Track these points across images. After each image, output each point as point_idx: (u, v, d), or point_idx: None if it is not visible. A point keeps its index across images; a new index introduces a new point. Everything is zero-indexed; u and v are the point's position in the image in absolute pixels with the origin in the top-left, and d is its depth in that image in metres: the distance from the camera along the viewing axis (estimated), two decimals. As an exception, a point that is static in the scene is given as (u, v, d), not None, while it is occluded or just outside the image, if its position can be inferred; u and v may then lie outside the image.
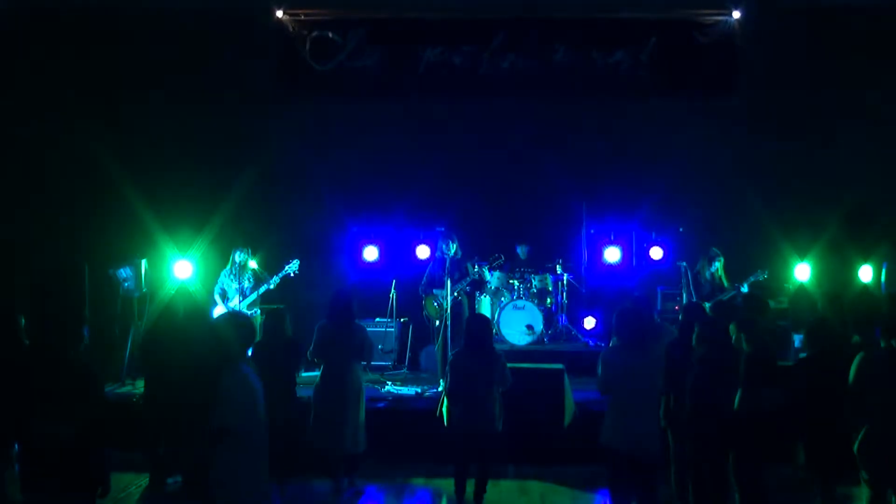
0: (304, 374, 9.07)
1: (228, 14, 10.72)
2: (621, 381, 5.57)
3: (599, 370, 5.79)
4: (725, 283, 9.38)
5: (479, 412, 6.49)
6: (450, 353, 7.90)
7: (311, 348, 7.09)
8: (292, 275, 9.26)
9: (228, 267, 9.32)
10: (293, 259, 9.28)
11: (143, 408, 7.59)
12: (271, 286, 9.19)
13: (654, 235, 10.26)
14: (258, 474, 5.07)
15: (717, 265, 9.41)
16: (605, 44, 10.96)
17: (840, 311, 6.69)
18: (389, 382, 9.24)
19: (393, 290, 10.25)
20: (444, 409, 6.79)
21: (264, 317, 7.54)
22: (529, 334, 9.97)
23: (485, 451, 6.60)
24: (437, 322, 9.39)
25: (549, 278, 10.53)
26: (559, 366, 8.03)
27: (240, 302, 9.19)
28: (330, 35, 10.95)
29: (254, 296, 9.26)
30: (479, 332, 6.69)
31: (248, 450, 4.96)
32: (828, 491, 6.11)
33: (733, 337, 5.99)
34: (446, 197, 10.94)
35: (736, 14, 10.81)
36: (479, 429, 6.51)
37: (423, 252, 10.35)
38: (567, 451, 7.59)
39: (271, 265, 9.44)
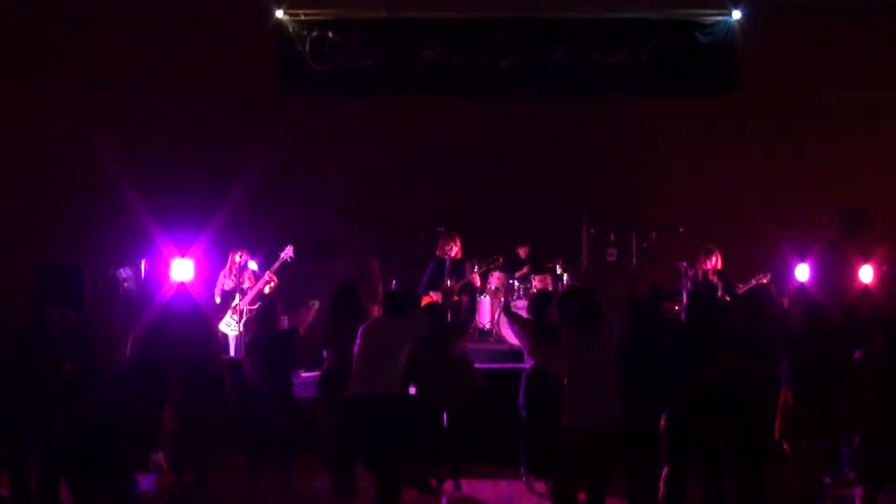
0: (305, 375, 9.11)
1: (228, 14, 10.72)
2: (582, 361, 5.57)
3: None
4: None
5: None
6: None
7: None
8: (289, 260, 9.24)
9: (227, 267, 9.34)
10: (286, 246, 9.26)
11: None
12: (268, 276, 9.18)
13: (653, 235, 10.24)
14: None
15: (711, 264, 9.41)
16: (605, 44, 10.96)
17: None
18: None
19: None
20: None
21: (255, 312, 7.48)
22: (529, 334, 9.93)
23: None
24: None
25: (549, 278, 10.50)
26: None
27: (241, 301, 9.19)
28: (330, 35, 10.94)
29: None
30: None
31: None
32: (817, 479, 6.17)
33: None
34: (446, 196, 10.95)
35: (736, 14, 10.82)
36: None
37: None
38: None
39: (271, 265, 9.42)
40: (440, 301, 9.60)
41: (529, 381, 7.00)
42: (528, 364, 7.11)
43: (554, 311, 7.07)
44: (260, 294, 9.19)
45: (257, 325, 7.05)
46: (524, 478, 7.19)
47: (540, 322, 7.01)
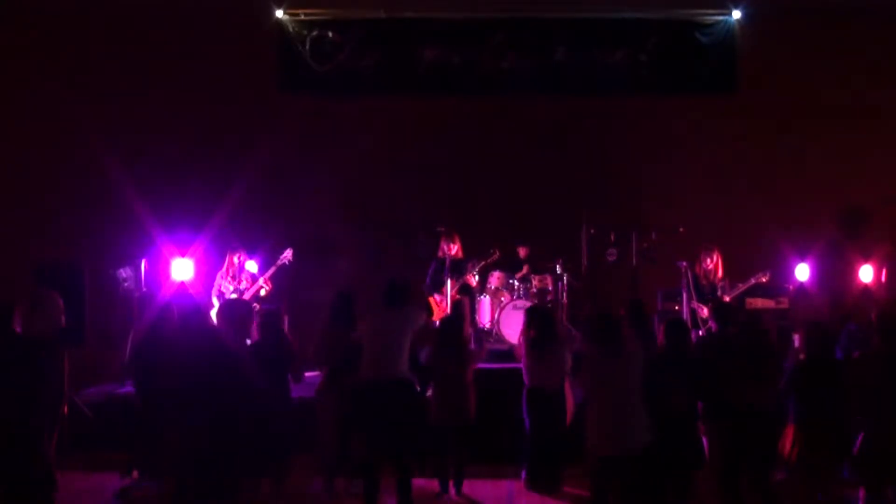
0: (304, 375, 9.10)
1: (228, 14, 10.72)
2: (604, 379, 5.57)
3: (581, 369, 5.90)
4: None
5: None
6: None
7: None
8: (287, 263, 9.25)
9: (225, 268, 9.34)
10: (285, 249, 9.28)
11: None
12: (262, 282, 9.19)
13: (653, 235, 10.24)
14: None
15: (710, 262, 9.40)
16: (605, 43, 10.98)
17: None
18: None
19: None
20: None
21: (260, 317, 7.51)
22: (529, 334, 9.93)
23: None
24: (437, 322, 9.35)
25: (549, 278, 10.50)
26: None
27: (239, 302, 9.18)
28: (330, 35, 10.96)
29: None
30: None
31: None
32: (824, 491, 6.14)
33: None
34: (446, 196, 10.94)
35: (736, 14, 10.83)
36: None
37: None
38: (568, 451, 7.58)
39: (271, 266, 9.43)
40: (443, 303, 9.64)
41: (530, 398, 7.13)
42: (526, 379, 7.19)
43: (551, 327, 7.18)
44: (255, 297, 9.20)
45: (261, 327, 7.06)
46: (524, 482, 7.22)
47: (536, 338, 7.08)
